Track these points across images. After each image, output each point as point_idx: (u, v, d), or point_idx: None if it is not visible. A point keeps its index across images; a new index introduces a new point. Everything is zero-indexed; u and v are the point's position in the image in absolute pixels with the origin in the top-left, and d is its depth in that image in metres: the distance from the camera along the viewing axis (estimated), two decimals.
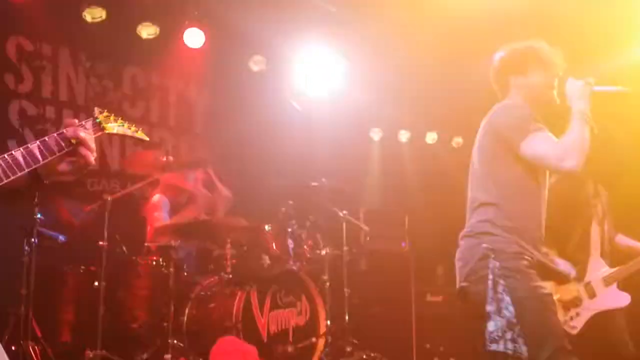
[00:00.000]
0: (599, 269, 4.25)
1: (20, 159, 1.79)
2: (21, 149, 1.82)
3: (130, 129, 2.25)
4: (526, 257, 2.76)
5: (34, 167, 1.82)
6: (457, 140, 8.02)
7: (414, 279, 6.26)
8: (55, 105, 5.78)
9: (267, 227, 5.18)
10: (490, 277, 2.67)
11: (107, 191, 5.03)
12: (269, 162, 6.62)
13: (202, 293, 4.76)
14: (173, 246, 4.62)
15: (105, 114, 2.16)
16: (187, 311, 4.69)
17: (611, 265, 4.25)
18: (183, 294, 4.71)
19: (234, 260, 4.91)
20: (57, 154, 1.89)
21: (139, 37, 5.95)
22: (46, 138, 1.89)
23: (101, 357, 4.15)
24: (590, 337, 4.10)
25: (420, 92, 7.10)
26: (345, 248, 5.55)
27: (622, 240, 4.46)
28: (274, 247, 5.14)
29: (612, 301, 4.18)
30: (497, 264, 2.68)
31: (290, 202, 5.41)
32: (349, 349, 5.07)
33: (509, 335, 2.61)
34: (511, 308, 2.62)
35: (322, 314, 4.96)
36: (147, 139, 2.29)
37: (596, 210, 4.45)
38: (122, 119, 2.23)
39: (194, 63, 6.49)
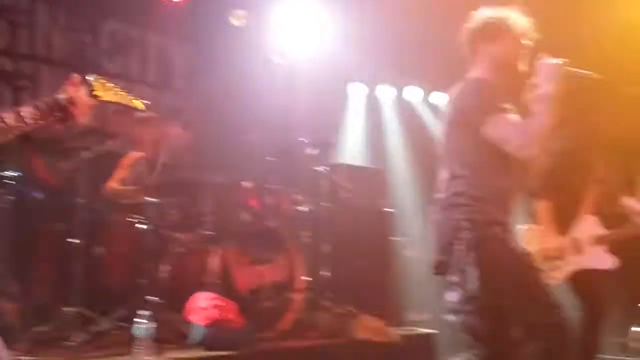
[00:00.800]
0: (592, 227, 4.30)
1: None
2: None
3: (125, 97, 2.24)
4: (500, 223, 2.80)
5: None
6: (439, 96, 8.00)
7: (393, 234, 6.32)
8: (32, 61, 5.69)
9: (246, 184, 5.19)
10: (461, 248, 2.69)
11: (85, 148, 5.00)
12: (249, 117, 6.59)
13: (179, 249, 4.79)
14: (150, 203, 4.62)
15: (101, 81, 2.15)
16: (164, 268, 4.73)
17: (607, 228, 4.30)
18: (160, 251, 4.74)
19: (212, 217, 4.93)
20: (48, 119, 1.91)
21: None
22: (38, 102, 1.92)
23: (77, 313, 4.20)
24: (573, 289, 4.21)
25: (402, 47, 7.04)
26: (325, 204, 5.58)
27: (628, 202, 4.36)
28: (253, 204, 5.17)
29: (597, 261, 4.24)
30: (470, 234, 2.70)
31: (270, 158, 5.41)
32: (326, 303, 5.15)
33: (468, 308, 2.66)
34: (476, 282, 2.63)
35: (300, 270, 5.02)
36: (143, 107, 2.28)
37: (597, 169, 4.46)
38: (117, 87, 2.22)
39: (174, 17, 6.39)
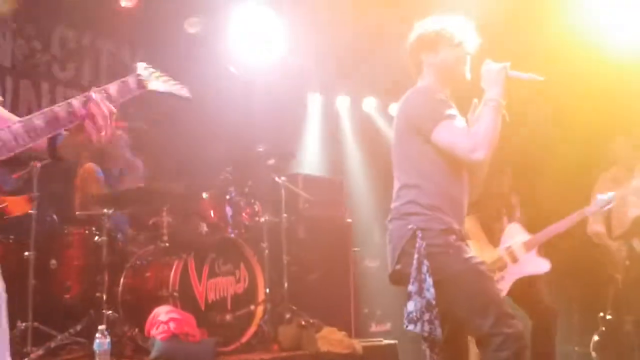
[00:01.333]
0: (517, 234, 4.40)
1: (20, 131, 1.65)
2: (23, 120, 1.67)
3: (173, 86, 2.13)
4: (454, 231, 2.80)
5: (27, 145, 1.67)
6: (395, 107, 8.08)
7: (352, 245, 6.31)
8: None
9: (204, 195, 5.10)
10: (416, 256, 2.68)
11: (36, 157, 4.81)
12: (206, 127, 6.49)
13: (137, 262, 4.67)
14: (106, 214, 4.48)
15: (150, 69, 2.04)
16: (122, 281, 4.59)
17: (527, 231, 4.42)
18: (117, 264, 4.61)
19: (170, 229, 4.82)
20: (57, 130, 1.73)
21: None
22: (54, 107, 1.73)
23: (32, 328, 4.02)
24: (515, 300, 4.28)
25: (359, 58, 7.08)
26: (284, 215, 5.53)
27: None
28: (212, 215, 5.09)
29: (534, 267, 4.34)
30: (424, 243, 2.69)
31: (229, 168, 5.34)
32: (287, 315, 5.09)
33: (426, 317, 2.64)
34: (432, 290, 2.63)
35: (260, 282, 4.96)
36: (190, 96, 2.19)
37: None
38: (164, 75, 2.11)
39: (127, 24, 6.25)
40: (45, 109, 1.74)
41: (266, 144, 5.72)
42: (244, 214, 5.28)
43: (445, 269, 2.69)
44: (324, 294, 5.74)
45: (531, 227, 4.47)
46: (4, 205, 1.46)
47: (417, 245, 2.69)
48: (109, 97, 1.85)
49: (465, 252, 2.77)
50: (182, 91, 2.15)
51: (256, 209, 5.44)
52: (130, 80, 1.95)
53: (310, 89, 7.92)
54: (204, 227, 5.02)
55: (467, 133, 2.77)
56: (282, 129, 7.05)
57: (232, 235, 4.99)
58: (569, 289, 4.46)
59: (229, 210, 5.12)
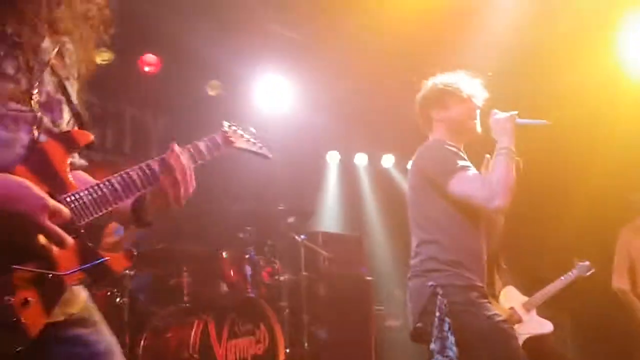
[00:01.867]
0: (514, 295, 4.40)
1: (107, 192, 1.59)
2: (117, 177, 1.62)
3: (255, 145, 2.11)
4: (476, 288, 2.78)
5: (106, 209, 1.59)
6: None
7: (373, 303, 6.25)
8: None
9: (224, 254, 5.12)
10: (437, 314, 2.66)
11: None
12: (225, 187, 6.56)
13: (158, 323, 4.65)
14: (127, 275, 4.51)
15: (234, 127, 2.02)
16: (142, 342, 4.57)
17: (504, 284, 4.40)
18: (138, 325, 4.59)
19: (190, 289, 4.82)
20: (140, 189, 1.65)
21: (91, 69, 5.85)
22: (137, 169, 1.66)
23: None
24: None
25: (377, 116, 7.17)
26: (303, 273, 5.52)
27: None
28: (232, 274, 5.08)
29: (538, 327, 4.33)
30: (445, 300, 2.68)
31: (248, 227, 5.37)
32: None
33: None
34: (455, 348, 2.60)
35: (280, 342, 4.91)
36: (271, 156, 2.17)
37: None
38: (248, 133, 2.09)
39: (150, 88, 6.43)
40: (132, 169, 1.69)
41: (285, 203, 5.77)
42: (263, 273, 5.28)
43: (467, 327, 2.66)
44: (344, 354, 5.65)
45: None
46: (105, 260, 1.45)
47: (438, 302, 2.68)
48: (199, 154, 1.84)
49: (487, 310, 2.74)
50: (264, 150, 2.14)
51: (276, 268, 5.44)
52: (218, 137, 1.94)
53: (328, 147, 8.01)
54: (224, 287, 5.01)
55: (483, 182, 2.77)
56: (301, 187, 7.10)
57: (252, 295, 4.97)
58: (596, 346, 4.37)
59: (248, 270, 5.12)
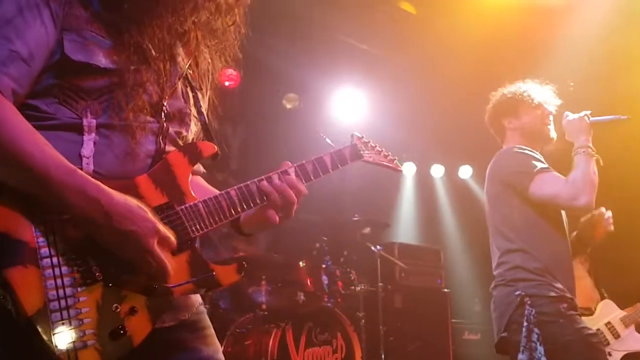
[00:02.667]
0: (612, 309, 4.21)
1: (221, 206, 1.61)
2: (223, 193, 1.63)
3: (386, 157, 2.04)
4: (565, 299, 2.71)
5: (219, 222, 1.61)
6: None
7: (450, 316, 6.15)
8: None
9: (301, 264, 5.17)
10: (525, 324, 2.62)
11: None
12: (303, 197, 6.63)
13: (237, 330, 4.75)
14: None
15: (364, 139, 1.97)
16: (222, 348, 4.67)
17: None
18: (218, 331, 4.67)
19: (268, 297, 4.90)
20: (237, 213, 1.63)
21: (216, 84, 6.05)
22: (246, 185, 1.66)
23: None
24: None
25: (454, 126, 7.09)
26: (380, 284, 5.51)
27: None
28: (309, 284, 5.13)
29: (636, 344, 4.12)
30: (533, 310, 2.63)
31: (325, 237, 5.41)
32: None
33: None
34: (544, 359, 2.55)
35: (357, 352, 4.90)
36: (402, 169, 2.15)
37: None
38: (378, 146, 2.02)
39: (229, 102, 6.61)
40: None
41: (361, 213, 5.78)
42: (340, 283, 5.30)
43: (556, 338, 2.60)
44: None
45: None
46: (215, 274, 1.46)
47: (526, 312, 2.63)
48: (323, 166, 1.80)
49: (577, 322, 2.67)
50: (395, 163, 2.09)
51: (352, 278, 5.45)
52: (346, 150, 1.87)
53: (404, 159, 7.97)
54: (301, 296, 5.06)
55: (566, 182, 2.72)
56: (377, 198, 7.09)
57: (329, 304, 5.00)
58: None
59: (325, 279, 5.16)
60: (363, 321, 5.24)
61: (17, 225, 1.31)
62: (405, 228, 7.44)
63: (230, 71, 6.20)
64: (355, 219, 5.76)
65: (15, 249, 1.28)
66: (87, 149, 1.43)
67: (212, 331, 1.70)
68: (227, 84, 6.24)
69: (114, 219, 1.36)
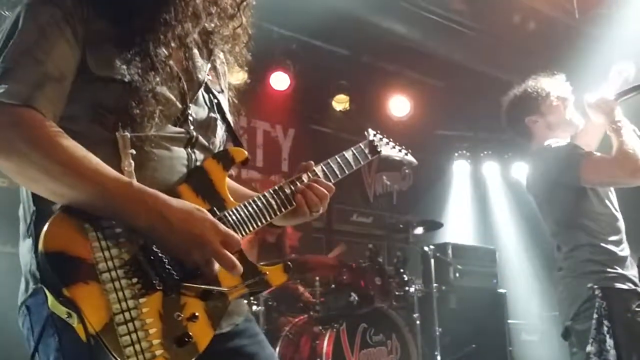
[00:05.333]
0: None
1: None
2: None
3: (400, 152, 2.11)
4: (637, 292, 2.69)
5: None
6: None
7: (507, 316, 6.04)
8: None
9: (354, 264, 5.17)
10: (595, 316, 2.59)
11: None
12: (355, 199, 6.65)
13: (291, 332, 4.79)
14: None
15: (378, 135, 2.04)
16: (277, 350, 4.72)
17: None
18: (273, 333, 4.75)
19: (322, 298, 4.92)
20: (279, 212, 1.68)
21: (235, 86, 6.15)
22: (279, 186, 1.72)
23: None
24: None
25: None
26: (434, 285, 5.45)
27: None
28: (362, 285, 5.12)
29: None
30: (604, 303, 2.60)
31: (378, 238, 5.40)
32: None
33: None
34: (613, 352, 2.52)
35: (413, 353, 4.86)
36: (416, 163, 2.19)
37: None
38: (392, 141, 2.09)
39: (279, 104, 6.68)
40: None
41: (414, 213, 5.74)
42: (393, 284, 5.27)
43: (628, 331, 2.58)
44: None
45: None
46: (265, 275, 1.50)
47: (596, 305, 2.61)
48: (346, 163, 1.86)
49: None
50: (409, 157, 2.15)
51: (405, 279, 5.41)
52: (364, 146, 1.95)
53: (456, 157, 7.88)
54: (355, 297, 5.05)
55: (617, 159, 2.67)
56: (430, 198, 7.03)
57: (383, 305, 4.97)
58: None
59: (378, 280, 5.14)
60: (418, 322, 5.20)
61: (73, 243, 1.32)
62: (459, 228, 7.33)
63: (280, 74, 6.26)
64: (408, 218, 5.72)
65: (74, 267, 1.30)
66: (127, 162, 1.45)
67: (264, 337, 1.71)
68: (277, 86, 6.29)
69: (176, 225, 1.39)
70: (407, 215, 5.77)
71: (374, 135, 2.01)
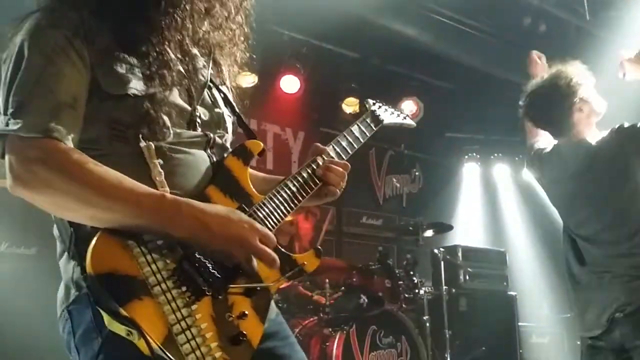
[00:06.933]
0: None
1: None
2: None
3: (399, 117, 2.10)
4: None
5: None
6: None
7: (517, 319, 6.02)
8: None
9: (364, 267, 5.18)
10: None
11: None
12: (365, 201, 6.65)
13: (301, 334, 4.80)
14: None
15: (378, 104, 2.03)
16: None
17: None
18: None
19: (332, 301, 4.93)
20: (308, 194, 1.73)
21: (239, 87, 6.18)
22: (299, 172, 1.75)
23: None
24: None
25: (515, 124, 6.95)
26: (444, 287, 5.45)
27: None
28: (372, 287, 5.13)
29: None
30: None
31: (387, 241, 5.41)
32: None
33: None
34: None
35: (423, 356, 4.87)
36: (414, 125, 2.19)
37: None
38: (390, 107, 2.08)
39: (289, 107, 6.70)
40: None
41: (424, 216, 5.74)
42: (403, 286, 5.27)
43: None
44: None
45: None
46: (302, 264, 1.55)
47: None
48: (354, 138, 1.89)
49: None
50: (407, 120, 2.15)
51: (415, 281, 5.41)
52: (367, 118, 1.96)
53: (466, 159, 7.87)
54: (365, 299, 5.06)
55: None
56: (440, 201, 7.02)
57: (393, 308, 4.98)
58: None
59: (388, 283, 5.14)
60: (428, 325, 5.20)
61: (120, 262, 1.34)
62: (469, 230, 7.32)
63: (291, 77, 6.28)
64: (418, 221, 5.72)
65: (126, 285, 1.32)
66: (156, 171, 1.47)
67: (295, 339, 1.74)
68: (287, 89, 6.31)
69: (216, 230, 1.41)
70: (417, 217, 5.76)
71: (374, 104, 2.02)
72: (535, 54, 3.31)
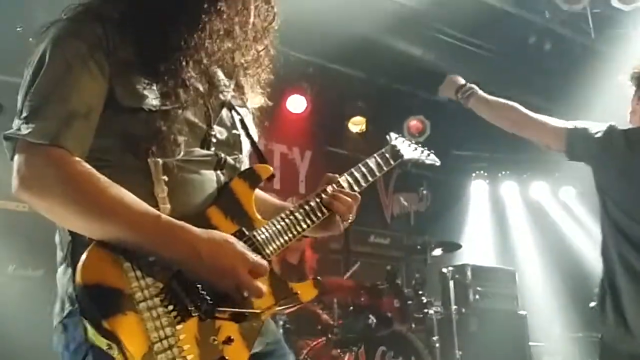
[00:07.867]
0: None
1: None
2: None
3: (422, 153, 2.10)
4: None
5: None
6: (568, 190, 7.71)
7: (528, 339, 5.95)
8: None
9: (372, 286, 5.14)
10: None
11: None
12: (372, 220, 6.63)
13: (309, 355, 4.76)
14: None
15: (401, 138, 2.03)
16: None
17: None
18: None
19: (340, 321, 4.89)
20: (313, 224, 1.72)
21: (260, 107, 6.20)
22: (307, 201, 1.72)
23: None
24: None
25: (525, 141, 6.93)
26: (454, 307, 5.40)
27: None
28: (381, 307, 5.09)
29: None
30: None
31: (395, 260, 5.37)
32: None
33: None
34: None
35: None
36: (439, 162, 2.19)
37: None
38: (414, 143, 2.08)
39: (296, 127, 6.72)
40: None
41: (432, 234, 5.71)
42: (412, 306, 5.22)
43: None
44: None
45: None
46: (297, 293, 1.53)
47: None
48: (369, 170, 1.87)
49: None
50: (431, 158, 2.14)
51: (424, 301, 5.36)
52: (387, 152, 1.94)
53: (474, 177, 7.84)
54: (373, 319, 5.01)
55: None
56: (448, 219, 6.99)
57: (402, 328, 4.93)
58: None
59: (396, 302, 5.10)
60: (438, 345, 5.14)
61: (109, 274, 1.34)
62: (478, 249, 7.27)
63: (297, 97, 6.31)
64: (426, 240, 5.69)
65: (111, 298, 1.32)
66: (160, 188, 1.47)
67: (293, 356, 1.73)
68: (293, 109, 6.33)
69: (205, 257, 1.40)
70: (425, 236, 5.72)
71: (396, 138, 2.00)
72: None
